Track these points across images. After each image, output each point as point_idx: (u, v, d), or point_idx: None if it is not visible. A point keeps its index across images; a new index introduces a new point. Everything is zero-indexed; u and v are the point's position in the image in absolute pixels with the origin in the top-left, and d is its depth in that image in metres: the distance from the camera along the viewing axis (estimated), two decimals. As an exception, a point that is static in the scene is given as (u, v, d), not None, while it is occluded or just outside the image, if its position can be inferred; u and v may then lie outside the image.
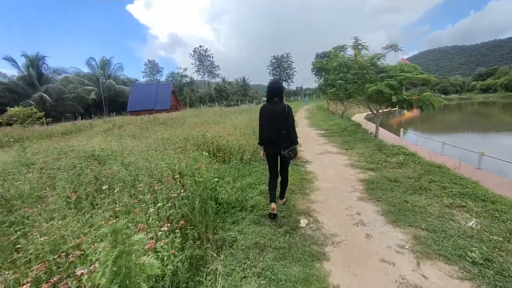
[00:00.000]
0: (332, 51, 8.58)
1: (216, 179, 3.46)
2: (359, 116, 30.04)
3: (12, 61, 26.86)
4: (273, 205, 3.08)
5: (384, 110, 10.05)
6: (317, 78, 67.97)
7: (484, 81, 79.45)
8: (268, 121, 3.09)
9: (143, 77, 66.39)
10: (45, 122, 21.59)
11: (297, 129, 3.36)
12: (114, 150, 4.88)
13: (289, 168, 4.38)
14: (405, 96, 7.72)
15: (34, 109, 20.78)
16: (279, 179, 3.41)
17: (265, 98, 3.25)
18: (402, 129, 15.15)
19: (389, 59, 8.96)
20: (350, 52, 8.86)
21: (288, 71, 70.84)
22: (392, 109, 9.57)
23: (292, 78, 71.57)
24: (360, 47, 7.64)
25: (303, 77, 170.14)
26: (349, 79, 13.08)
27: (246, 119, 11.53)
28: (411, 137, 14.35)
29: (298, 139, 3.23)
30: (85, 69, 42.86)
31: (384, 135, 11.19)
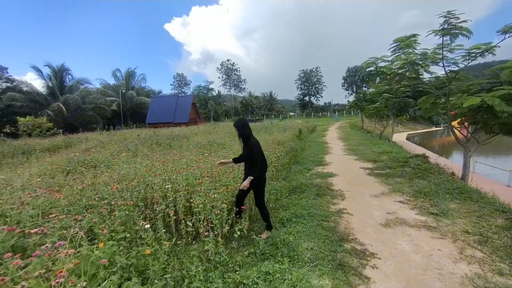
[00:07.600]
0: (394, 44, 5.41)
1: None
2: (399, 136, 25.72)
3: (38, 71, 27.22)
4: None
5: (472, 136, 6.59)
6: (348, 93, 63.91)
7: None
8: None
9: (171, 90, 67.64)
10: (61, 132, 20.72)
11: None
12: None
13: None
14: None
15: (45, 119, 19.89)
16: None
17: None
18: (474, 159, 11.11)
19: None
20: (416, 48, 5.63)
21: (317, 85, 67.31)
22: (490, 137, 6.00)
23: (321, 92, 67.85)
24: (454, 31, 4.39)
25: (332, 92, 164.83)
26: (401, 91, 9.70)
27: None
28: (488, 171, 10.18)
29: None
30: (112, 81, 43.48)
31: (442, 162, 7.17)
